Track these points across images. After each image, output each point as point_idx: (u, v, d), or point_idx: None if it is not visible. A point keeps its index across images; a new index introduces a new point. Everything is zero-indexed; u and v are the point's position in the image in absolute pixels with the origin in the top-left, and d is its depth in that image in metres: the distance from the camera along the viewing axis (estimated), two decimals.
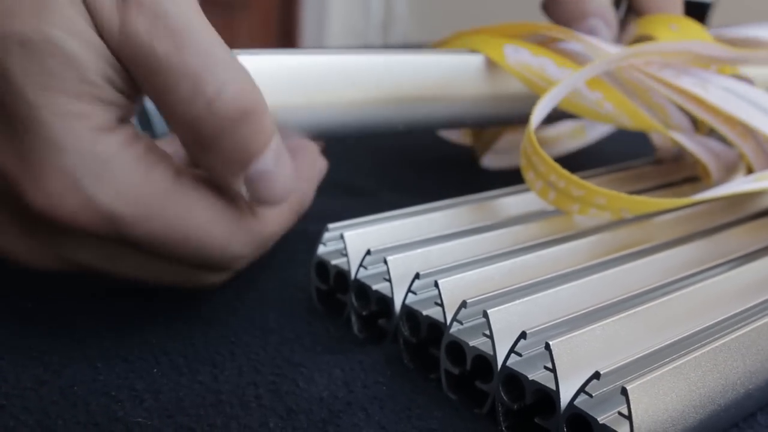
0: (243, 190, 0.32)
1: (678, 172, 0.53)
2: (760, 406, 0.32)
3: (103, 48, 0.30)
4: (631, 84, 0.49)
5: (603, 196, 0.39)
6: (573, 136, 0.65)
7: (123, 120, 0.31)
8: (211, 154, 0.31)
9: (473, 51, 0.48)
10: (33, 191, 0.30)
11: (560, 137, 0.65)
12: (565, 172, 0.39)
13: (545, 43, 0.50)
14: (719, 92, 0.47)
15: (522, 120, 0.46)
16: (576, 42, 0.49)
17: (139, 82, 0.31)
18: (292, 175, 0.33)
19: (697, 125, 0.52)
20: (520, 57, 0.47)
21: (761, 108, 0.47)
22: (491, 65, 0.47)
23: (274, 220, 0.35)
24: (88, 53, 0.30)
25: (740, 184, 0.42)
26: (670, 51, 0.49)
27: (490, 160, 0.62)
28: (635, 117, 0.47)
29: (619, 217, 0.40)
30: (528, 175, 0.41)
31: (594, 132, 0.66)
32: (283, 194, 0.33)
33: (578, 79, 0.45)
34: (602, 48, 0.48)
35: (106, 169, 0.30)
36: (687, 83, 0.47)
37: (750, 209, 0.46)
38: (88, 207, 0.30)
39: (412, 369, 0.34)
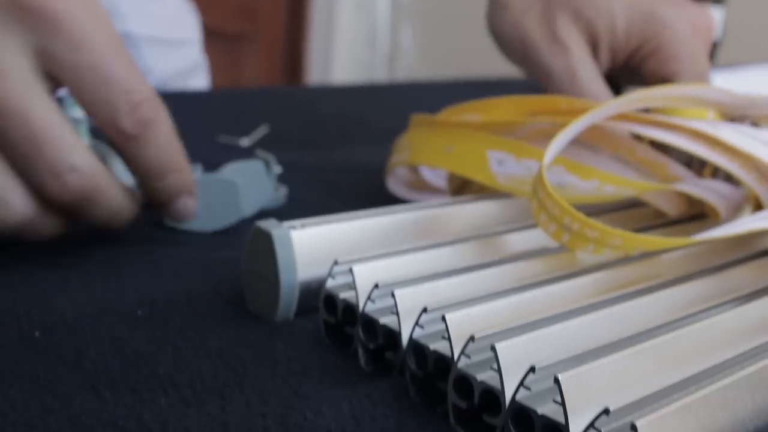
0: None
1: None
2: None
3: None
4: (618, 146, 0.50)
5: (618, 237, 0.39)
6: None
7: None
8: None
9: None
10: None
11: None
12: (580, 215, 0.38)
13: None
14: (730, 132, 0.47)
15: None
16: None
17: None
18: None
19: (701, 170, 0.53)
20: (506, 170, 0.47)
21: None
22: None
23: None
24: None
25: (753, 222, 0.42)
26: (673, 96, 0.49)
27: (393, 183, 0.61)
28: (637, 187, 0.47)
29: (632, 254, 0.40)
30: (540, 217, 0.40)
31: None
32: None
33: (590, 119, 0.45)
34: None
35: None
36: (697, 125, 0.48)
37: (757, 247, 0.46)
38: None
39: (420, 403, 0.34)
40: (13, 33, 0.40)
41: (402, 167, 0.59)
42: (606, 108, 0.46)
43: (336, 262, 0.38)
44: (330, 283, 0.39)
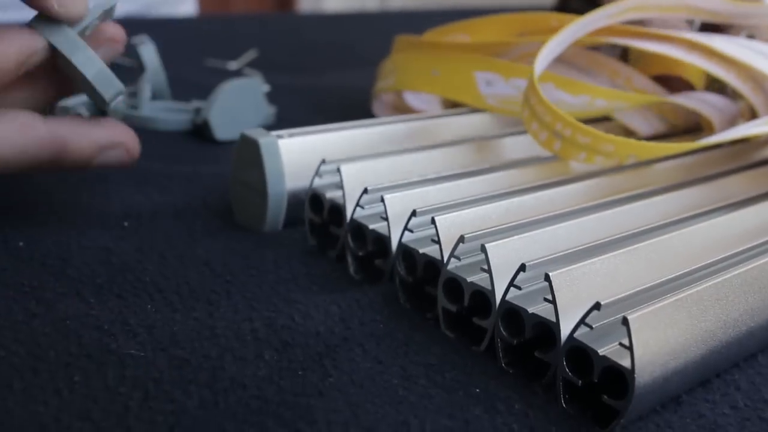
0: None
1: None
2: (761, 348, 0.32)
3: None
4: (615, 73, 0.49)
5: (611, 142, 0.38)
6: None
7: None
8: None
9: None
10: None
11: None
12: (572, 120, 0.38)
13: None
14: (725, 43, 0.47)
15: None
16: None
17: None
18: None
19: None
20: (495, 90, 0.46)
21: (763, 54, 0.46)
22: None
23: None
24: None
25: (750, 128, 0.41)
26: (669, 5, 0.48)
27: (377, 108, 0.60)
28: (630, 99, 0.46)
29: (626, 162, 0.40)
30: (531, 126, 0.40)
31: None
32: None
33: (581, 27, 0.44)
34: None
35: None
36: (692, 37, 0.47)
37: (749, 159, 0.45)
38: None
39: (410, 309, 0.34)
40: None
41: (388, 93, 0.58)
42: (596, 16, 0.44)
43: (323, 161, 0.37)
44: (317, 182, 0.38)
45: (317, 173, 0.38)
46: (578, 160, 0.39)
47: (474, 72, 0.47)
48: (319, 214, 0.38)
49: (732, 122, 0.50)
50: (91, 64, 0.36)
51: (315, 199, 0.38)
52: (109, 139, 0.38)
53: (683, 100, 0.48)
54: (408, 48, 0.54)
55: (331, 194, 0.37)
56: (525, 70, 0.45)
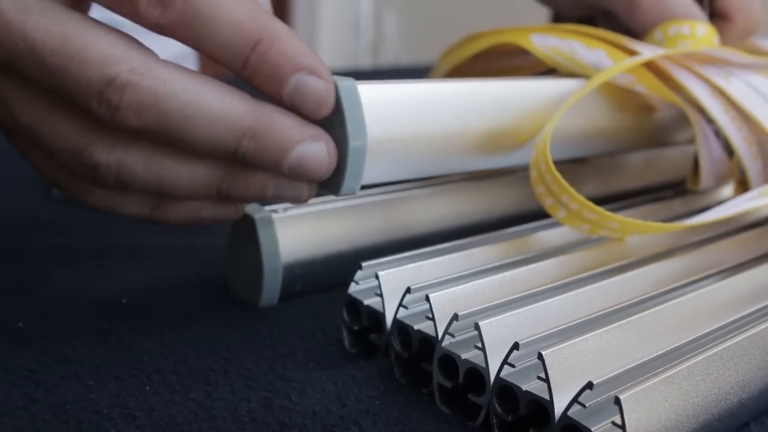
0: None
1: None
2: (753, 416, 0.32)
3: None
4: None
5: (616, 221, 0.39)
6: None
7: None
8: None
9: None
10: None
11: None
12: (579, 196, 0.38)
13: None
14: (741, 86, 0.47)
15: None
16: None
17: None
18: None
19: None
20: (547, 42, 0.47)
21: None
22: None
23: None
24: None
25: (746, 201, 0.42)
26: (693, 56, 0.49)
27: None
28: (668, 95, 0.47)
29: (628, 236, 0.40)
30: (538, 189, 0.40)
31: None
32: None
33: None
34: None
35: None
36: (710, 72, 0.47)
37: (738, 222, 0.46)
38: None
39: (405, 383, 0.34)
40: None
41: None
42: (619, 65, 0.45)
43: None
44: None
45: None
46: (581, 230, 0.40)
47: (530, 35, 0.48)
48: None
49: (720, 181, 0.51)
50: None
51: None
52: (310, 128, 0.33)
53: (699, 127, 0.48)
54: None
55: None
56: (581, 36, 0.47)
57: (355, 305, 0.36)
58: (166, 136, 0.31)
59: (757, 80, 0.48)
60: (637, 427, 0.26)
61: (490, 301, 0.33)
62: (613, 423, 0.27)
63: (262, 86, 0.32)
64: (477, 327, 0.30)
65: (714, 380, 0.29)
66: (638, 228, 0.39)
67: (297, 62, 0.31)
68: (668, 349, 0.30)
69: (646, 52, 0.46)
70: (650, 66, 0.47)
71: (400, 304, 0.34)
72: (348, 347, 0.36)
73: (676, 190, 0.52)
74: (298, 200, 0.34)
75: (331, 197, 0.43)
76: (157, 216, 0.35)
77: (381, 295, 0.35)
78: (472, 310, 0.32)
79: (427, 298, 0.33)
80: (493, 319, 0.31)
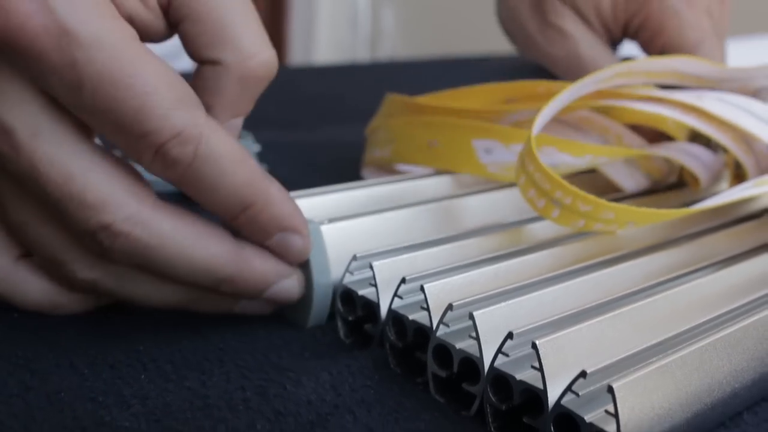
0: None
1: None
2: (746, 406, 0.33)
3: None
4: (606, 131, 0.50)
5: (611, 210, 0.38)
6: None
7: None
8: None
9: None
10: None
11: None
12: (572, 188, 0.38)
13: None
14: (714, 102, 0.47)
15: None
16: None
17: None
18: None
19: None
20: (495, 158, 0.46)
21: (755, 115, 0.47)
22: None
23: None
24: None
25: (742, 190, 0.42)
26: (657, 70, 0.49)
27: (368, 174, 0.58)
28: (633, 155, 0.47)
29: (624, 229, 0.40)
30: (528, 193, 0.40)
31: None
32: None
33: (572, 94, 0.45)
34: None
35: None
36: (682, 97, 0.47)
37: (733, 214, 0.46)
38: (51, 26, 0.30)
39: (400, 373, 0.34)
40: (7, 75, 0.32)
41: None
42: (587, 82, 0.45)
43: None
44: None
45: None
46: (576, 228, 0.39)
47: (472, 140, 0.47)
48: None
49: (717, 177, 0.51)
50: None
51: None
52: (285, 268, 0.36)
53: (675, 153, 0.48)
54: (400, 110, 0.54)
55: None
56: (524, 135, 0.45)
57: (349, 295, 0.36)
58: (148, 271, 0.34)
59: (729, 96, 0.48)
60: (630, 415, 0.26)
61: (484, 291, 0.33)
62: (606, 411, 0.27)
63: (248, 235, 0.35)
64: (471, 317, 0.31)
65: (707, 370, 0.29)
66: (634, 216, 0.38)
67: (283, 224, 0.35)
68: (662, 339, 0.30)
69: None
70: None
71: (395, 294, 0.34)
72: (343, 337, 0.37)
73: (671, 184, 0.52)
74: (262, 313, 0.37)
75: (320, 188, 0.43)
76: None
77: (375, 286, 0.35)
78: (466, 300, 0.32)
79: (422, 289, 0.33)
80: (487, 309, 0.31)
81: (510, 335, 0.29)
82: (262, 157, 0.58)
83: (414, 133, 0.50)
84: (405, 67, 1.24)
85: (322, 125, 0.78)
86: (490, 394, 0.30)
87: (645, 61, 0.49)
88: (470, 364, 0.31)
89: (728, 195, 0.42)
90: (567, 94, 0.44)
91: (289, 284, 0.36)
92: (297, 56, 2.66)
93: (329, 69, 1.24)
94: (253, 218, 0.34)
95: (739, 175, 0.52)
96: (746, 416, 0.32)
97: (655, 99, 0.47)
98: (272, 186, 0.34)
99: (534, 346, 0.28)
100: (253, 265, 0.35)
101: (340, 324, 0.37)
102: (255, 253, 0.35)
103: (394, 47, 2.75)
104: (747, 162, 0.48)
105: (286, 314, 0.38)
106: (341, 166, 0.60)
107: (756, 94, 0.52)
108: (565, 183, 0.37)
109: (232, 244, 0.34)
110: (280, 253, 0.35)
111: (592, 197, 0.37)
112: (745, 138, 0.48)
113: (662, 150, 0.48)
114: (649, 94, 0.48)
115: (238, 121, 0.37)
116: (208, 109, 0.35)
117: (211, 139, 0.32)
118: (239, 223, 0.34)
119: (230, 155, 0.32)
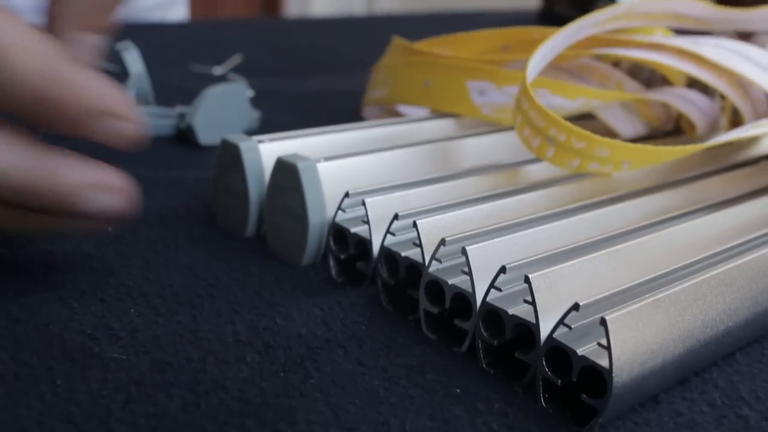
0: None
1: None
2: (739, 346, 0.32)
3: None
4: (606, 78, 0.49)
5: (606, 146, 0.37)
6: None
7: None
8: None
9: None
10: None
11: None
12: (567, 124, 0.37)
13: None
14: (712, 49, 0.47)
15: None
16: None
17: None
18: None
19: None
20: (489, 99, 0.46)
21: (752, 60, 0.47)
22: None
23: None
24: None
25: (740, 132, 0.42)
26: (656, 12, 0.48)
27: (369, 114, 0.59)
28: (626, 98, 0.47)
29: (620, 170, 0.39)
30: (524, 132, 0.39)
31: None
32: None
33: (569, 35, 0.44)
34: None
35: None
36: (679, 43, 0.47)
37: (729, 160, 0.46)
38: None
39: (392, 311, 0.34)
40: None
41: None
42: (584, 23, 0.45)
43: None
44: None
45: None
46: (571, 168, 0.38)
47: (466, 81, 0.46)
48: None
49: (714, 124, 0.51)
50: None
51: None
52: (102, 179, 0.32)
53: (672, 99, 0.48)
54: (402, 53, 0.54)
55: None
56: (517, 77, 0.44)
57: (341, 233, 0.36)
58: None
59: (726, 42, 0.48)
60: (623, 348, 0.26)
61: (478, 228, 0.32)
62: (599, 344, 0.27)
63: (61, 131, 0.31)
64: (464, 252, 0.30)
65: (701, 306, 0.29)
66: (630, 154, 0.38)
67: (94, 110, 0.30)
68: (656, 275, 0.30)
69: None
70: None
71: (388, 231, 0.34)
72: (335, 276, 0.36)
73: (668, 132, 0.52)
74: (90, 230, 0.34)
75: (317, 128, 0.42)
76: None
77: (368, 223, 0.35)
78: (459, 235, 0.31)
79: (415, 225, 0.33)
80: (480, 244, 0.31)
81: (503, 269, 0.29)
82: (255, 103, 0.57)
83: (410, 73, 0.49)
84: (401, 20, 1.23)
85: (315, 75, 0.78)
86: (482, 330, 0.30)
87: (644, 2, 0.49)
88: (462, 300, 0.31)
89: (726, 136, 0.41)
90: (564, 34, 0.43)
91: (104, 198, 0.32)
92: (293, 8, 2.63)
93: (325, 21, 1.23)
94: (54, 109, 0.30)
95: (735, 122, 0.51)
96: (739, 356, 0.32)
97: (652, 45, 0.47)
98: (76, 72, 0.30)
99: (527, 280, 0.28)
100: (57, 174, 0.31)
101: (332, 262, 0.36)
102: (63, 163, 0.31)
103: (391, 2, 2.73)
104: (744, 107, 0.47)
105: (278, 252, 0.38)
106: (335, 115, 0.59)
107: (753, 39, 0.52)
108: (560, 119, 0.37)
109: (33, 152, 0.30)
110: (114, 144, 0.32)
111: (586, 133, 0.37)
112: (742, 83, 0.48)
113: (658, 95, 0.48)
114: (647, 40, 0.47)
115: (94, 39, 0.34)
116: (58, 19, 0.33)
117: None
118: (42, 120, 0.30)
119: (17, 44, 0.29)
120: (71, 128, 0.31)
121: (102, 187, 0.32)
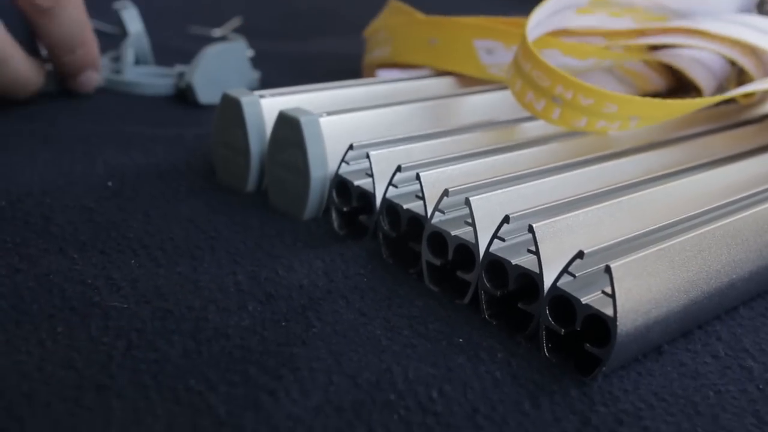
0: None
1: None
2: (743, 300, 0.32)
3: None
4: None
5: (615, 102, 0.37)
6: None
7: None
8: None
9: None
10: None
11: None
12: (574, 79, 0.36)
13: None
14: (711, 23, 0.46)
15: None
16: None
17: None
18: None
19: None
20: (497, 59, 0.45)
21: (751, 26, 0.46)
22: None
23: None
24: None
25: (752, 86, 0.41)
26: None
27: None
28: (639, 56, 0.46)
29: (627, 128, 0.38)
30: (526, 97, 0.38)
31: None
32: None
33: None
34: None
35: None
36: (679, 23, 0.46)
37: (733, 119, 0.45)
38: None
39: (393, 264, 0.34)
40: None
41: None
42: None
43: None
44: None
45: None
46: (578, 127, 0.38)
47: (473, 40, 0.45)
48: None
49: (720, 87, 0.51)
50: None
51: None
52: None
53: (679, 60, 0.48)
54: (400, 13, 0.53)
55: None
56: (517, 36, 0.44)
57: (345, 186, 0.36)
58: None
59: (724, 16, 0.48)
60: (628, 296, 0.26)
61: (481, 180, 0.32)
62: (604, 292, 0.26)
63: (68, 71, 0.50)
64: (467, 202, 0.30)
65: (705, 257, 0.29)
66: (639, 109, 0.37)
67: (95, 64, 0.50)
68: (661, 225, 0.29)
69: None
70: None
71: (390, 183, 0.34)
72: (337, 229, 0.36)
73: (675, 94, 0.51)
74: None
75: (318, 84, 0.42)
76: None
77: (372, 175, 0.34)
78: (462, 186, 0.31)
79: (418, 177, 0.32)
80: (484, 195, 0.31)
81: (506, 219, 0.29)
82: (255, 64, 0.57)
83: (414, 31, 0.48)
84: None
85: (314, 37, 0.77)
86: (485, 281, 0.30)
87: None
88: (465, 251, 0.30)
89: (734, 91, 0.41)
90: None
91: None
92: None
93: None
94: (82, 56, 0.48)
95: (742, 83, 0.51)
96: (742, 310, 0.32)
97: (663, 30, 0.46)
98: (91, 30, 0.48)
99: (531, 229, 0.28)
100: None
101: (334, 215, 0.36)
102: None
103: None
104: (749, 64, 0.47)
105: (279, 207, 0.37)
106: (335, 77, 0.58)
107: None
108: (566, 75, 0.36)
109: None
110: (84, 89, 0.51)
111: (594, 88, 0.36)
112: (754, 51, 0.47)
113: (666, 56, 0.48)
114: (657, 27, 0.47)
115: None
116: None
117: None
118: (67, 60, 0.48)
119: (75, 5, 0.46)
120: (78, 71, 0.50)
121: None
